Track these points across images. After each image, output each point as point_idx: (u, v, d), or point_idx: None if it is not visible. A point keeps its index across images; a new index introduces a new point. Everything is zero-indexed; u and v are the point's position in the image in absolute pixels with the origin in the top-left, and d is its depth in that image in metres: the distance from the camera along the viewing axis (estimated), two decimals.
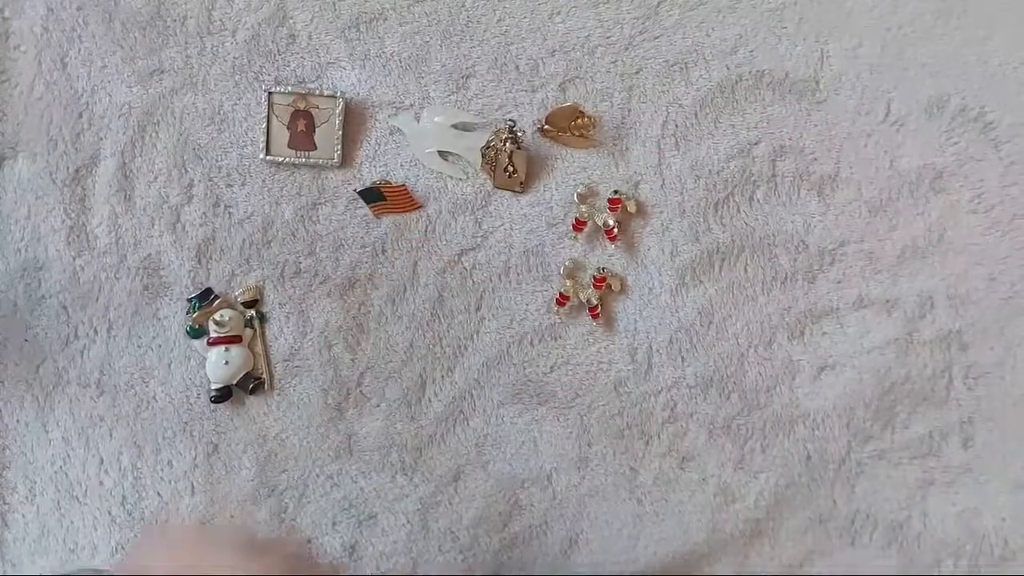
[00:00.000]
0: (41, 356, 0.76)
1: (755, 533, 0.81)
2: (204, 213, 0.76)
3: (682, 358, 0.79)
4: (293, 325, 0.77)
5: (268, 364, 0.77)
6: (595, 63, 0.77)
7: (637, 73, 0.77)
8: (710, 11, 0.77)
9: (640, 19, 0.76)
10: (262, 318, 0.77)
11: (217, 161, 0.76)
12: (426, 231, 0.77)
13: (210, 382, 0.76)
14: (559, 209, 0.78)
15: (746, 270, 0.78)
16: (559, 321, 0.79)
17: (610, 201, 0.77)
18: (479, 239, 0.78)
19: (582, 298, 0.78)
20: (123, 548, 0.77)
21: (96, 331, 0.76)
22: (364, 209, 0.77)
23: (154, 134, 0.75)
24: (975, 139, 0.77)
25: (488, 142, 0.76)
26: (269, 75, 0.75)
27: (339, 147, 0.76)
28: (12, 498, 0.77)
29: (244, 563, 0.53)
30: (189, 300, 0.76)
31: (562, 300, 0.78)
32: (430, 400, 0.78)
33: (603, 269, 0.78)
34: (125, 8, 0.74)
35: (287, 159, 0.75)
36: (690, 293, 0.79)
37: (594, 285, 0.78)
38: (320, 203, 0.77)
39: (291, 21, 0.75)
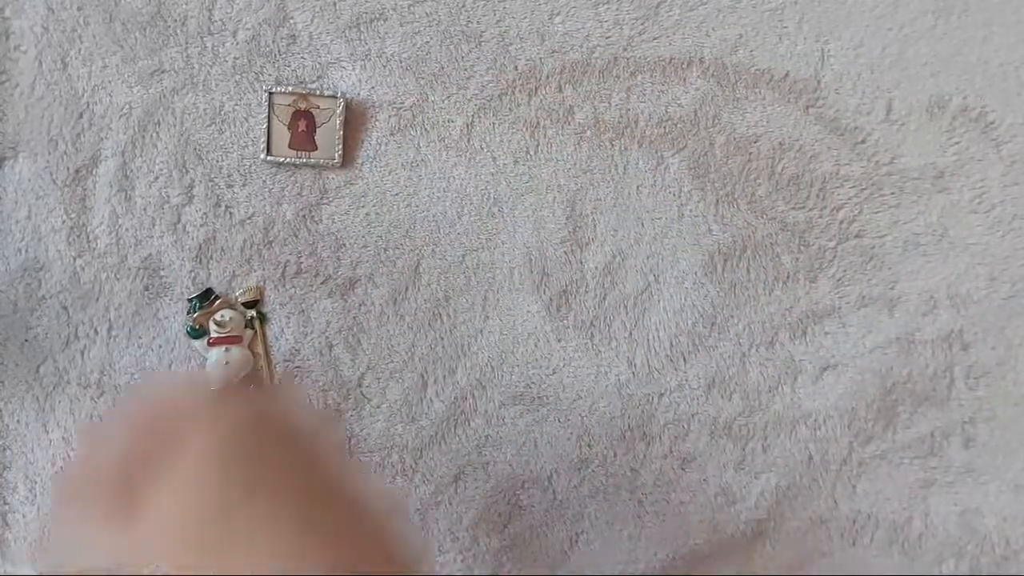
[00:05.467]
0: (41, 356, 0.76)
1: (756, 534, 0.81)
2: (205, 213, 0.76)
3: (684, 359, 0.79)
4: (294, 325, 0.77)
5: (269, 364, 0.77)
6: (594, 63, 0.77)
7: (636, 73, 0.77)
8: (710, 11, 0.77)
9: (640, 19, 0.76)
10: (263, 318, 0.77)
11: (218, 161, 0.76)
12: (429, 231, 0.77)
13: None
14: None
15: (748, 270, 0.78)
16: (562, 322, 0.79)
17: None
18: (483, 239, 0.78)
19: None
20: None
21: (96, 331, 0.76)
22: (366, 208, 0.76)
23: (155, 134, 0.75)
24: (976, 139, 0.77)
25: None
26: (270, 75, 0.75)
27: (340, 147, 0.75)
28: (13, 498, 0.77)
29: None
30: (190, 300, 0.76)
31: None
32: (431, 401, 0.78)
33: None
34: (126, 8, 0.74)
35: (288, 159, 0.75)
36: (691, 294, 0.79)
37: None
38: (321, 203, 0.76)
39: (291, 21, 0.75)
